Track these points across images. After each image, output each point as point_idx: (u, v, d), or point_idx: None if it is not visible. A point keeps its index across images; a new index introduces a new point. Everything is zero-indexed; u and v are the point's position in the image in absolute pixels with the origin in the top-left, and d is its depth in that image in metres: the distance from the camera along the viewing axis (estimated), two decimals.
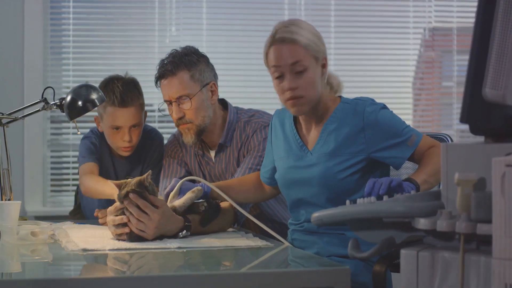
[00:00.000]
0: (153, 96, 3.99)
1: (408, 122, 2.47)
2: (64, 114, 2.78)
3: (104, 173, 3.05)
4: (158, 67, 2.82)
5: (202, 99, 2.80)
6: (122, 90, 2.90)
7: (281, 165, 2.52)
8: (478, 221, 1.54)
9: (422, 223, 1.63)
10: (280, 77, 2.37)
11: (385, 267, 2.15)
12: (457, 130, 4.42)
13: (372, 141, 2.36)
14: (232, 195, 2.54)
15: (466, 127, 4.46)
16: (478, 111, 1.62)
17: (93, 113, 3.01)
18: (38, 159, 3.98)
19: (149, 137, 3.09)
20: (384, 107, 2.41)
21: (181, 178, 2.67)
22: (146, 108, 3.07)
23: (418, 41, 4.39)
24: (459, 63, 4.41)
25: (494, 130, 1.65)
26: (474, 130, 1.67)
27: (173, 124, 4.09)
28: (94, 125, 3.09)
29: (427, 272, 1.62)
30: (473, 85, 1.61)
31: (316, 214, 1.83)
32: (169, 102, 2.82)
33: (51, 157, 4.05)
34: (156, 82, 2.83)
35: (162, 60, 2.81)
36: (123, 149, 2.97)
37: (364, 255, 1.75)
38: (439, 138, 2.71)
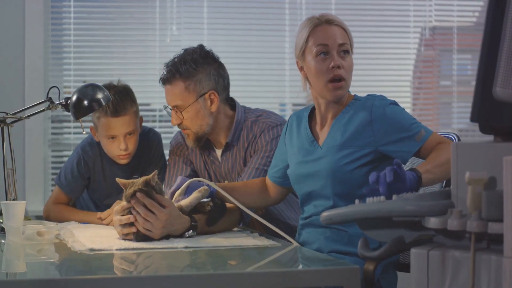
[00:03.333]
0: (154, 95, 3.99)
1: None
2: (65, 113, 2.78)
3: (102, 183, 3.05)
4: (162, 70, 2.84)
5: (198, 109, 2.79)
6: (115, 99, 2.86)
7: (292, 161, 2.53)
8: (489, 220, 1.54)
9: (432, 222, 1.62)
10: (322, 54, 2.41)
11: (375, 265, 2.16)
12: (456, 129, 4.41)
13: (379, 135, 2.37)
14: (237, 197, 2.54)
15: (465, 126, 4.46)
16: (489, 110, 1.62)
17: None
18: (39, 158, 3.97)
19: (146, 138, 3.07)
20: (394, 103, 2.43)
21: (186, 176, 2.66)
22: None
23: (418, 40, 4.39)
24: (459, 62, 4.41)
25: (504, 129, 1.64)
26: (484, 129, 1.67)
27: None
28: None
29: (438, 271, 1.62)
30: (484, 84, 1.61)
31: (325, 214, 1.82)
32: (169, 108, 2.85)
33: (52, 156, 4.05)
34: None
35: (166, 64, 2.82)
36: (120, 157, 2.95)
37: (374, 254, 1.75)
38: (446, 138, 2.71)
